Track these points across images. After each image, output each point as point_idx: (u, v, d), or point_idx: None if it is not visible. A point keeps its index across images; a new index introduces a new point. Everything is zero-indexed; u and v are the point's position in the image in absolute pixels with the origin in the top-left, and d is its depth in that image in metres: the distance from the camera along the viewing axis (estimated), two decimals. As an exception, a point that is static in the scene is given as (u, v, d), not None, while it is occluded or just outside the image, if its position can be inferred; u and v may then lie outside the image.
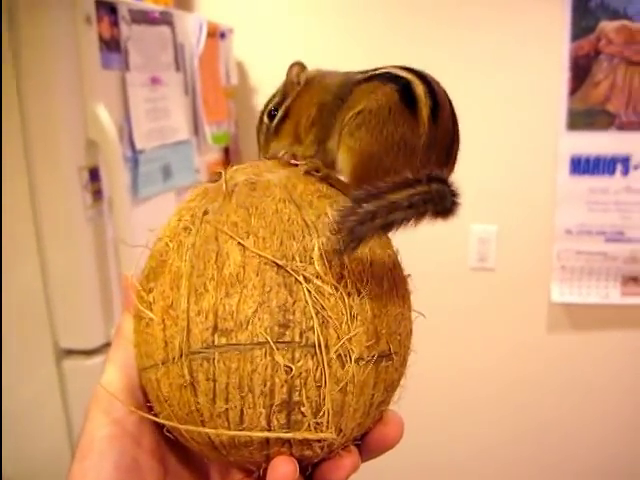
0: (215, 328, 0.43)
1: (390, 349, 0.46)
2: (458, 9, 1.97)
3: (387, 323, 0.46)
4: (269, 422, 0.43)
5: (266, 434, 0.43)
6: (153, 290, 0.46)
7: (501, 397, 2.18)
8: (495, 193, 2.03)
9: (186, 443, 0.48)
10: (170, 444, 0.52)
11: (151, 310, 0.46)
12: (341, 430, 0.45)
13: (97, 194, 1.30)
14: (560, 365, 2.14)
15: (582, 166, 1.95)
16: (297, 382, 0.42)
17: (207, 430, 0.44)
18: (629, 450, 2.20)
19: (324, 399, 0.43)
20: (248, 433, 0.43)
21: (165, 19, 1.55)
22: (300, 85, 0.63)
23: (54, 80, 1.23)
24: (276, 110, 0.62)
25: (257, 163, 0.56)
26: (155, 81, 1.50)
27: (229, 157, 1.93)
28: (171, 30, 1.58)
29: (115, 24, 1.36)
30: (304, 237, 0.45)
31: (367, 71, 0.61)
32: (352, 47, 2.04)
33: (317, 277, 0.44)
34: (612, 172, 1.94)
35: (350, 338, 0.44)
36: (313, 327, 0.43)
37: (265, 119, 0.63)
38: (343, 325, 0.44)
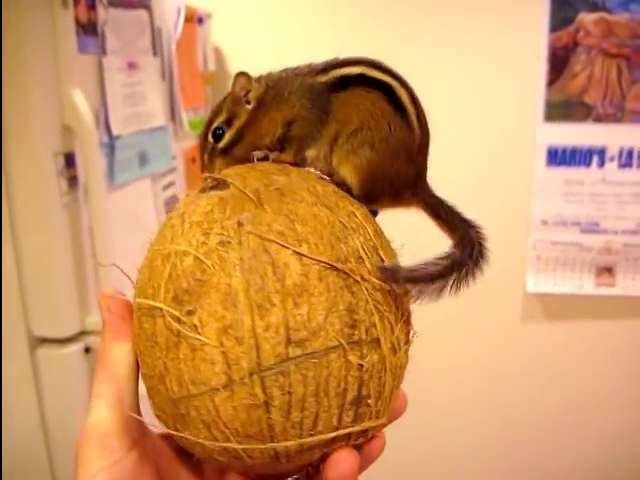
0: (288, 341, 0.43)
1: (410, 334, 0.51)
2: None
3: (409, 311, 0.51)
4: (340, 421, 0.45)
5: (335, 432, 0.45)
6: (195, 312, 0.44)
7: (474, 386, 2.20)
8: (472, 183, 2.04)
9: (216, 463, 0.47)
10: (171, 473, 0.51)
11: (199, 334, 0.43)
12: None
13: (73, 180, 1.28)
14: (534, 354, 2.16)
15: (558, 157, 1.96)
16: (366, 377, 0.45)
17: (275, 445, 0.44)
18: (601, 436, 2.22)
19: (384, 387, 0.46)
20: (321, 437, 0.44)
21: (143, 3, 1.53)
22: (250, 105, 0.59)
23: (29, 65, 1.20)
24: (221, 130, 0.59)
25: (243, 167, 0.54)
26: (132, 66, 1.48)
27: (206, 144, 1.91)
28: (149, 14, 1.56)
29: (92, 7, 1.33)
30: (347, 238, 0.47)
31: (325, 69, 0.59)
32: (330, 33, 2.02)
33: (369, 274, 0.47)
34: (588, 164, 1.95)
35: (399, 327, 0.48)
36: (375, 322, 0.46)
37: (210, 138, 0.59)
38: (392, 316, 0.47)
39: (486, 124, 2.01)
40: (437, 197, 0.66)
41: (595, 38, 1.87)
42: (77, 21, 1.29)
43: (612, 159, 1.94)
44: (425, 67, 1.99)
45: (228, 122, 0.59)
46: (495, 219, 2.03)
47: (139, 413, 0.49)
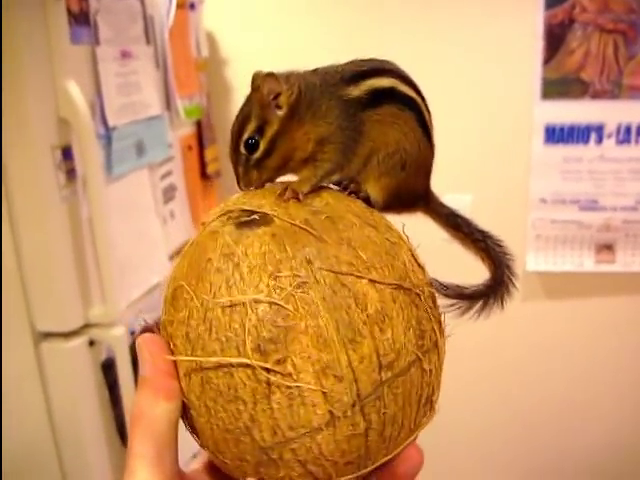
0: (380, 366, 0.44)
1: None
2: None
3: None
4: (415, 423, 0.48)
5: (413, 435, 0.48)
6: (286, 360, 0.43)
7: (475, 364, 2.20)
8: (470, 163, 2.03)
9: None
10: None
11: (296, 380, 0.43)
12: None
13: (71, 173, 1.27)
14: (534, 332, 2.16)
15: (556, 135, 1.95)
16: (432, 378, 0.48)
17: (370, 465, 0.46)
18: (603, 414, 2.24)
19: (439, 384, 0.50)
20: (404, 443, 0.47)
21: (134, -9, 1.51)
22: (282, 110, 0.55)
23: (23, 57, 1.19)
24: (253, 139, 0.54)
25: (267, 193, 0.52)
26: (125, 55, 1.47)
27: (201, 131, 1.90)
28: (140, 2, 1.54)
29: (84, -3, 1.31)
30: (397, 254, 0.49)
31: (355, 78, 0.57)
32: (324, 18, 2.00)
33: (422, 284, 0.49)
34: (586, 141, 1.95)
35: (443, 326, 0.50)
36: (434, 328, 0.48)
37: (242, 150, 0.55)
38: (439, 318, 0.50)
39: (483, 103, 1.99)
40: (448, 207, 0.67)
41: (591, 14, 1.86)
42: (69, 11, 1.27)
43: (610, 136, 1.93)
44: (421, 46, 1.97)
45: (259, 130, 0.55)
46: (494, 198, 2.04)
47: (179, 470, 0.48)
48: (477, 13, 1.93)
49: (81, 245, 1.30)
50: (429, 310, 0.49)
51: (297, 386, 0.42)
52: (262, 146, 0.54)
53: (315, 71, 0.58)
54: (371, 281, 0.45)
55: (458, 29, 1.95)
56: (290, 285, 0.44)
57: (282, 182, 0.55)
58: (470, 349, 2.15)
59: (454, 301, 0.65)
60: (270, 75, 0.53)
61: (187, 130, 1.83)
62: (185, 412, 0.47)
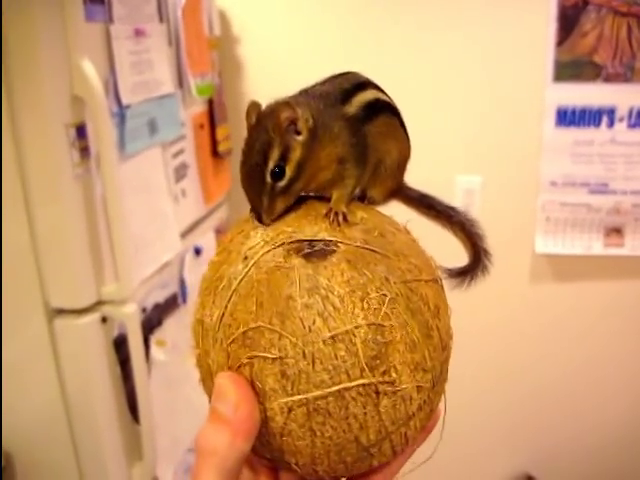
0: (443, 349, 0.52)
1: None
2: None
3: None
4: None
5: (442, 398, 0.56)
6: (389, 370, 0.47)
7: (483, 345, 2.22)
8: (480, 144, 2.03)
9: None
10: None
11: (398, 385, 0.47)
12: None
13: (84, 151, 1.28)
14: (543, 315, 2.17)
15: (568, 118, 1.95)
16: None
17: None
18: (610, 395, 2.25)
19: None
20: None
21: (148, -32, 1.51)
22: (303, 136, 0.56)
23: (37, 35, 1.18)
24: (280, 168, 0.55)
25: (302, 217, 0.55)
26: (139, 33, 1.46)
27: (213, 109, 1.90)
28: (154, -21, 1.54)
29: (98, -26, 1.31)
30: (421, 250, 0.56)
31: (345, 97, 0.60)
32: (335, 2, 2.00)
33: (438, 271, 0.56)
34: (598, 124, 1.94)
35: None
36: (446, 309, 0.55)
37: (268, 179, 0.55)
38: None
39: (495, 85, 1.99)
40: (417, 190, 0.73)
41: (605, -4, 1.85)
42: (84, -11, 1.27)
43: (621, 119, 1.93)
44: (435, 28, 1.96)
45: (283, 157, 0.55)
46: (504, 180, 2.05)
47: None
48: (491, -6, 1.92)
49: (94, 222, 1.31)
50: (444, 291, 0.56)
51: (400, 389, 0.47)
52: (289, 172, 0.55)
53: (306, 93, 0.60)
54: (425, 282, 0.52)
55: (471, 11, 1.94)
56: (379, 304, 0.47)
57: (306, 205, 0.57)
58: (479, 330, 2.16)
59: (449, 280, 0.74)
60: (286, 104, 0.55)
61: (199, 108, 1.83)
62: (266, 440, 0.49)
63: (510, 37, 1.94)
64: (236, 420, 0.46)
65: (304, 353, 0.46)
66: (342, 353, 0.46)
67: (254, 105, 0.57)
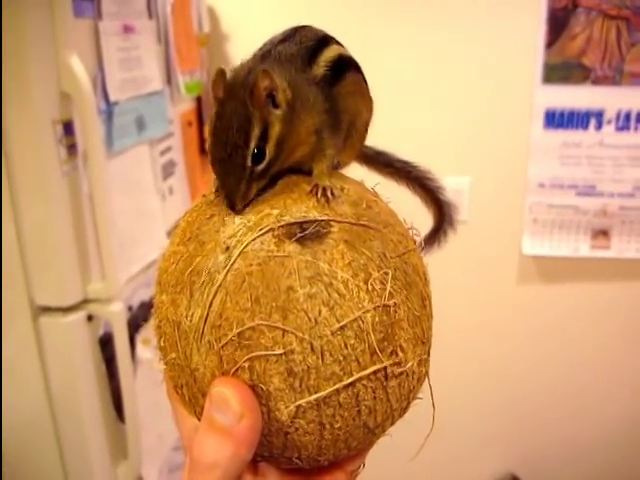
0: (432, 317, 0.51)
1: None
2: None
3: None
4: None
5: None
6: (396, 350, 0.45)
7: (470, 347, 2.22)
8: (469, 145, 2.03)
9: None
10: None
11: (405, 364, 0.46)
12: None
13: (72, 148, 1.26)
14: (529, 316, 2.18)
15: (556, 120, 1.95)
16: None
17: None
18: (597, 397, 2.26)
19: None
20: None
21: (137, -36, 1.50)
22: (282, 109, 0.50)
23: (25, 30, 1.17)
24: (259, 149, 0.49)
25: (284, 193, 0.50)
26: (128, 29, 1.45)
27: (201, 107, 1.89)
28: (143, -25, 1.53)
29: (87, -31, 1.30)
30: (397, 215, 0.53)
31: (311, 57, 0.54)
32: (319, 3, 1.99)
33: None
34: (586, 126, 1.95)
35: None
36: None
37: (249, 163, 0.48)
38: None
39: (484, 86, 1.99)
40: (372, 147, 0.68)
41: (595, -1, 1.85)
42: (72, -16, 1.26)
43: (610, 122, 1.94)
44: (422, 28, 1.96)
45: (263, 136, 0.49)
46: (492, 181, 2.05)
47: None
48: (481, -5, 1.93)
49: (81, 220, 1.30)
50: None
51: (407, 367, 0.46)
52: (268, 154, 0.49)
53: (272, 57, 0.54)
54: (414, 251, 0.50)
55: (461, 12, 1.94)
56: (383, 283, 0.45)
57: (283, 182, 0.52)
58: (465, 331, 2.16)
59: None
60: (266, 72, 0.48)
61: (187, 106, 1.82)
62: (267, 440, 0.46)
63: (500, 39, 1.95)
64: (240, 431, 0.43)
65: (312, 347, 0.43)
66: (352, 341, 0.43)
67: (222, 74, 0.51)
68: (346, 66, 0.56)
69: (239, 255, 0.45)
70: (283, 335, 0.43)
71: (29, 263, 1.27)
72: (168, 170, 1.68)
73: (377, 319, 0.44)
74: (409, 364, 0.46)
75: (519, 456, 2.36)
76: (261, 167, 0.49)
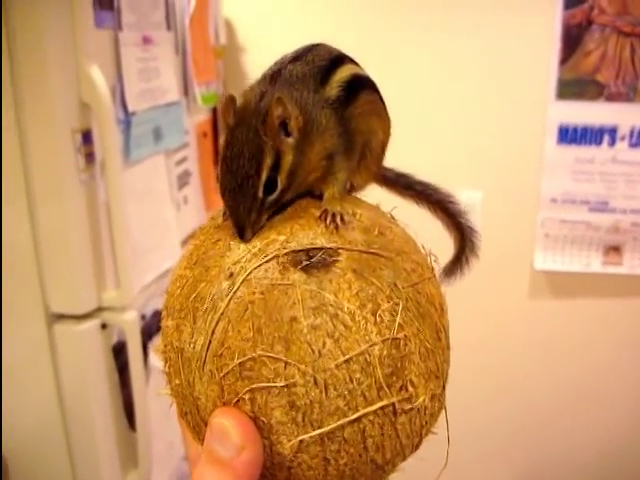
0: (448, 348, 0.50)
1: None
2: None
3: None
4: None
5: None
6: (405, 385, 0.44)
7: (480, 360, 2.22)
8: (482, 159, 2.04)
9: None
10: None
11: (416, 400, 0.44)
12: None
13: (90, 157, 1.28)
14: (540, 331, 2.18)
15: (569, 135, 1.96)
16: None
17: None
18: (606, 412, 2.25)
19: None
20: None
21: (157, -24, 1.51)
22: (294, 137, 0.48)
23: (47, 39, 1.19)
24: (272, 179, 0.47)
25: (291, 219, 0.48)
26: (147, 41, 1.47)
27: (217, 118, 1.91)
28: (163, -13, 1.54)
29: (109, -20, 1.32)
30: (415, 242, 0.52)
31: (323, 77, 0.52)
32: (341, 10, 2.00)
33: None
34: (599, 142, 1.95)
35: None
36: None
37: (260, 194, 0.47)
38: None
39: (498, 101, 2.00)
40: (392, 169, 0.66)
41: (609, 16, 1.86)
42: (94, -5, 1.27)
43: (623, 138, 1.94)
44: (438, 43, 1.97)
45: (274, 166, 0.47)
46: (505, 196, 2.05)
47: None
48: (496, 11, 1.93)
49: (97, 228, 1.31)
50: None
51: (417, 403, 0.44)
52: (280, 184, 0.48)
53: (282, 79, 0.52)
54: (429, 279, 0.48)
55: (476, 26, 1.95)
56: (392, 315, 0.43)
57: (293, 207, 0.50)
58: (477, 344, 2.16)
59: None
60: (280, 100, 0.47)
61: (203, 117, 1.83)
62: (269, 473, 0.44)
63: (514, 54, 1.95)
64: (240, 464, 0.41)
65: (315, 380, 0.41)
66: (357, 375, 0.42)
67: (231, 100, 0.50)
68: (360, 86, 0.55)
69: (242, 283, 0.44)
70: (285, 367, 0.42)
71: (45, 270, 1.28)
72: (183, 180, 1.69)
73: (385, 352, 0.43)
74: (420, 400, 0.44)
75: (525, 468, 2.35)
76: (273, 197, 0.47)
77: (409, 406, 0.43)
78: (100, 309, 1.34)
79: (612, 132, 1.94)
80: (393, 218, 0.53)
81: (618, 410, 2.25)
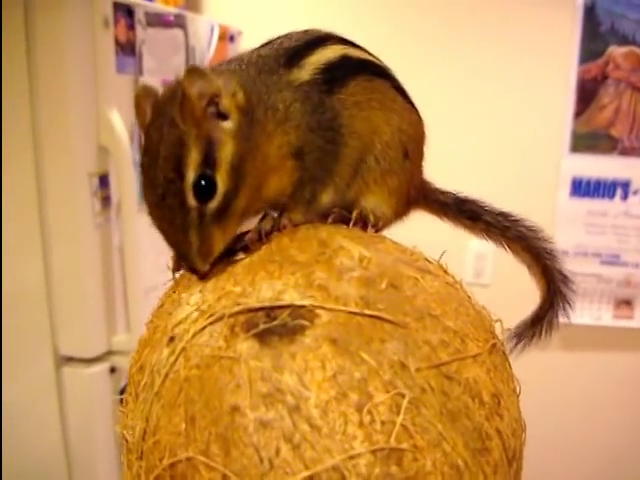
0: (509, 463, 0.38)
1: None
2: (470, 16, 1.96)
3: None
4: None
5: None
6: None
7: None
8: (494, 210, 2.03)
9: None
10: None
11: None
12: None
13: (106, 200, 1.28)
14: (550, 383, 2.15)
15: (583, 188, 1.96)
16: None
17: None
18: (618, 468, 2.22)
19: None
20: None
21: (179, 22, 1.53)
22: (232, 120, 0.35)
23: (68, 83, 1.20)
24: (206, 178, 0.35)
25: (262, 260, 0.35)
26: (166, 84, 1.48)
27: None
28: (184, 33, 1.56)
29: (131, 27, 1.33)
30: (462, 298, 0.44)
31: (293, 57, 0.41)
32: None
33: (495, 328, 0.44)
34: (612, 196, 1.95)
35: None
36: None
37: (191, 200, 0.35)
38: None
39: (512, 152, 2.00)
40: (449, 192, 0.51)
41: (624, 72, 1.87)
42: (116, 41, 1.29)
43: (636, 192, 1.94)
44: (454, 92, 1.98)
45: (208, 160, 0.35)
46: (516, 247, 2.04)
47: None
48: (511, 63, 1.95)
49: (110, 272, 1.31)
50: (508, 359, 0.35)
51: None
52: (221, 183, 0.35)
53: (240, 60, 0.42)
54: (474, 358, 0.35)
55: (492, 77, 1.97)
56: (392, 411, 0.30)
57: (268, 245, 0.36)
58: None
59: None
60: (194, 70, 0.35)
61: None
62: None
63: (529, 106, 1.96)
64: None
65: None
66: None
67: (146, 91, 0.38)
68: (354, 69, 0.43)
69: (181, 351, 0.34)
70: (223, 479, 0.29)
71: (56, 312, 1.27)
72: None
73: (378, 471, 0.28)
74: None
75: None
76: (215, 204, 0.35)
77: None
78: (109, 352, 1.33)
79: (625, 186, 1.94)
80: (440, 268, 0.39)
81: (633, 463, 2.21)
